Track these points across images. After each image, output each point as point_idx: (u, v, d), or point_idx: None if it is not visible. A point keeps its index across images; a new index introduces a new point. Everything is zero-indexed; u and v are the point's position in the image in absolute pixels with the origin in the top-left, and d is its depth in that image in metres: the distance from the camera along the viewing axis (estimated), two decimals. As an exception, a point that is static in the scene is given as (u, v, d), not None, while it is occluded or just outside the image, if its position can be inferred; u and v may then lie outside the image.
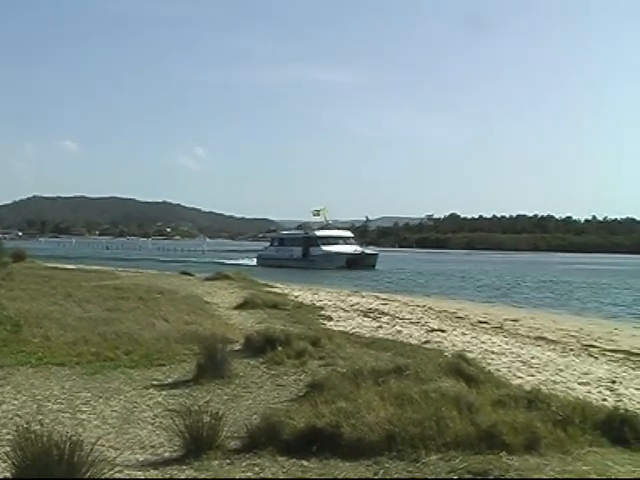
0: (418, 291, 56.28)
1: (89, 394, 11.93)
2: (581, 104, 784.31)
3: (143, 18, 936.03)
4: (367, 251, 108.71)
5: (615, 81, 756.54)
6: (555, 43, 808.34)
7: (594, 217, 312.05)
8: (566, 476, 7.52)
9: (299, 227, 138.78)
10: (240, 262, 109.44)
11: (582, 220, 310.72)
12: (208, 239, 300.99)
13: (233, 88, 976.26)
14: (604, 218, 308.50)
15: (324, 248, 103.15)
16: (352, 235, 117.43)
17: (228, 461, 8.12)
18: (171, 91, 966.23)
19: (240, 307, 26.87)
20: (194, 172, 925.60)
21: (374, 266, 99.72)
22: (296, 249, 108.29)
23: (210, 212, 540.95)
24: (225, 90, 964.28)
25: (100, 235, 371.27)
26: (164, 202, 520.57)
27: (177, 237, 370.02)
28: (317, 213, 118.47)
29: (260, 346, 15.43)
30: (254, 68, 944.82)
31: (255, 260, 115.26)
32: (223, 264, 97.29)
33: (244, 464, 8.01)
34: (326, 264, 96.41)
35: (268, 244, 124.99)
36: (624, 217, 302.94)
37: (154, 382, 12.96)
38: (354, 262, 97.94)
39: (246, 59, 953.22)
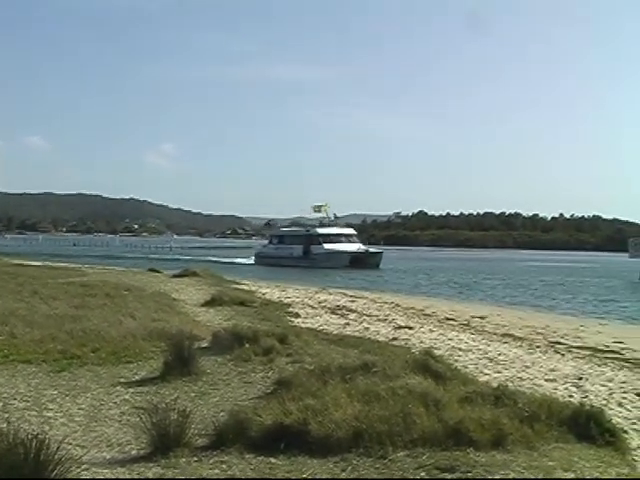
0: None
1: (56, 392, 11.85)
2: (548, 103, 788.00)
3: (111, 14, 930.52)
4: (371, 250, 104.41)
5: (586, 81, 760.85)
6: (530, 40, 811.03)
7: (561, 215, 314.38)
8: (532, 472, 7.57)
9: (293, 224, 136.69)
10: (236, 261, 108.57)
11: (549, 218, 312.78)
12: (176, 236, 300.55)
13: (201, 85, 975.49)
14: (571, 216, 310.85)
15: (326, 246, 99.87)
16: (355, 233, 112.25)
17: (195, 458, 8.11)
18: (138, 87, 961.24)
19: (208, 304, 26.81)
20: (161, 169, 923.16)
21: (378, 265, 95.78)
22: (296, 247, 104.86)
23: (178, 209, 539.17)
24: (193, 87, 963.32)
25: (67, 232, 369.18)
26: (131, 199, 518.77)
27: (145, 234, 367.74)
28: (318, 209, 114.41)
29: (227, 343, 15.41)
30: (222, 65, 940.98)
31: (252, 259, 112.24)
32: (218, 262, 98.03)
33: (211, 461, 8.01)
34: (328, 263, 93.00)
35: (267, 241, 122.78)
36: (590, 215, 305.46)
37: (121, 380, 12.90)
38: (358, 261, 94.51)
39: (214, 56, 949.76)
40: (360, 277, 72.94)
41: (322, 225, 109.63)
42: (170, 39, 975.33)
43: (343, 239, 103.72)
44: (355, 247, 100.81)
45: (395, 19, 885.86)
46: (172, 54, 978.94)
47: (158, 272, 49.19)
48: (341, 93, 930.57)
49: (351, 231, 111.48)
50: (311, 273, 79.68)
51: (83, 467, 7.51)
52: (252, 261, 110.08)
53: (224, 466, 7.87)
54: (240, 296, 30.09)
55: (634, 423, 12.35)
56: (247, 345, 15.11)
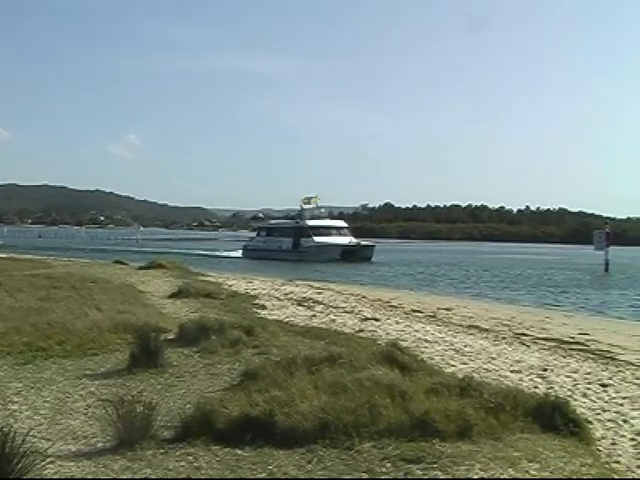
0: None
1: (20, 384, 11.81)
2: (499, 93, 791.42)
3: (76, 4, 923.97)
4: (363, 243, 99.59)
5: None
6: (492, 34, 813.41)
7: (527, 207, 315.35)
8: (497, 462, 7.63)
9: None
10: (223, 254, 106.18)
11: (515, 210, 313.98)
12: (142, 228, 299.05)
13: (167, 76, 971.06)
14: (537, 208, 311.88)
15: (317, 239, 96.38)
16: (346, 225, 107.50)
17: (162, 451, 8.12)
18: (103, 78, 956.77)
19: (174, 296, 26.75)
20: (127, 160, 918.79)
21: (370, 258, 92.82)
22: (286, 240, 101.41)
23: (143, 200, 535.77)
24: (159, 78, 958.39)
25: (33, 223, 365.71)
26: (97, 190, 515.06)
27: (111, 226, 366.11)
28: (308, 201, 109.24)
29: (194, 335, 15.42)
30: (187, 57, 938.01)
31: (240, 252, 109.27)
32: (205, 256, 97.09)
33: (178, 453, 8.02)
34: (319, 256, 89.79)
35: (255, 234, 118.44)
36: (556, 208, 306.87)
37: (87, 372, 12.87)
38: (349, 254, 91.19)
39: (179, 47, 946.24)
40: (355, 271, 71.46)
41: (312, 217, 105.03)
42: (135, 30, 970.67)
43: (334, 232, 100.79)
44: (347, 240, 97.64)
45: (360, 13, 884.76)
46: (136, 45, 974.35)
47: (124, 264, 48.96)
48: (306, 86, 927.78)
49: (342, 223, 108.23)
50: (301, 267, 77.58)
51: (48, 460, 7.48)
52: (239, 254, 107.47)
53: (190, 458, 7.89)
54: (207, 288, 30.00)
55: (598, 414, 12.43)
56: (213, 337, 15.14)
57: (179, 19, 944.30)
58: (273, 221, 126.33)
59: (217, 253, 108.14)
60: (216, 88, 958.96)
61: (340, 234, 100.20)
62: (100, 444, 8.58)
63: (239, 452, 8.04)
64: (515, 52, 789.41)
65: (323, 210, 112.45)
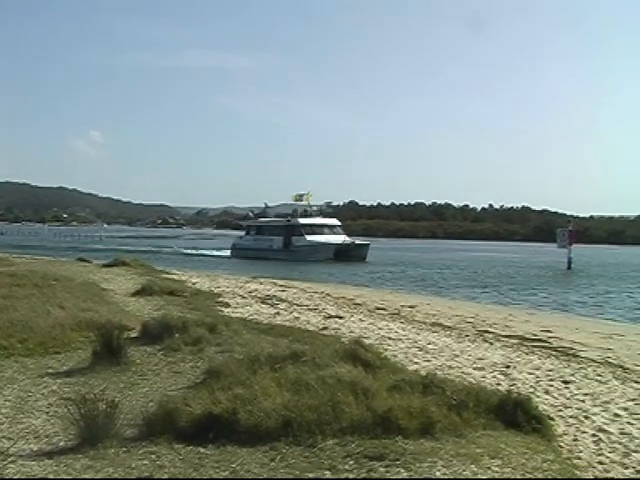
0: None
1: (-19, 384, 11.74)
2: (479, 94, 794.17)
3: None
4: (357, 241, 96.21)
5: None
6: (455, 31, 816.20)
7: (491, 205, 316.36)
8: (460, 459, 7.67)
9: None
10: (212, 253, 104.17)
11: (479, 208, 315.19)
12: (106, 225, 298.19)
13: (132, 72, 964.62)
14: (500, 206, 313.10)
15: (309, 238, 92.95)
16: (339, 223, 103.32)
17: (124, 449, 8.09)
18: (65, 73, 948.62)
19: (137, 294, 26.66)
20: (90, 156, 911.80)
21: (365, 258, 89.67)
22: (276, 239, 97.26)
23: (107, 197, 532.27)
24: (121, 73, 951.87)
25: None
26: (60, 187, 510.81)
27: (74, 223, 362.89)
28: (299, 198, 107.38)
29: (157, 333, 15.40)
30: (155, 53, 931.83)
31: (229, 251, 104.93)
32: (190, 255, 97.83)
33: (140, 452, 8.00)
34: (311, 256, 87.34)
35: (243, 233, 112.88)
36: (519, 206, 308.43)
37: (49, 370, 12.80)
38: (343, 254, 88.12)
39: (147, 44, 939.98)
40: (351, 271, 69.40)
41: (304, 215, 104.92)
42: (101, 26, 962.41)
43: (326, 230, 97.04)
44: (340, 239, 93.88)
45: (331, 11, 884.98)
46: (103, 41, 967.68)
47: (87, 262, 48.77)
48: (275, 83, 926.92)
49: (335, 222, 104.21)
50: (293, 266, 74.88)
51: (10, 459, 7.47)
52: (228, 253, 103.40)
53: (153, 456, 7.87)
54: (170, 286, 29.93)
55: (560, 410, 12.53)
56: (177, 335, 15.11)
57: (148, 15, 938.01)
58: (263, 219, 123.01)
59: (204, 252, 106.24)
60: (182, 85, 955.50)
61: (333, 232, 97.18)
62: (62, 443, 8.54)
63: (202, 450, 8.03)
64: (479, 58, 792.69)
65: (315, 208, 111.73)
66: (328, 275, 62.44)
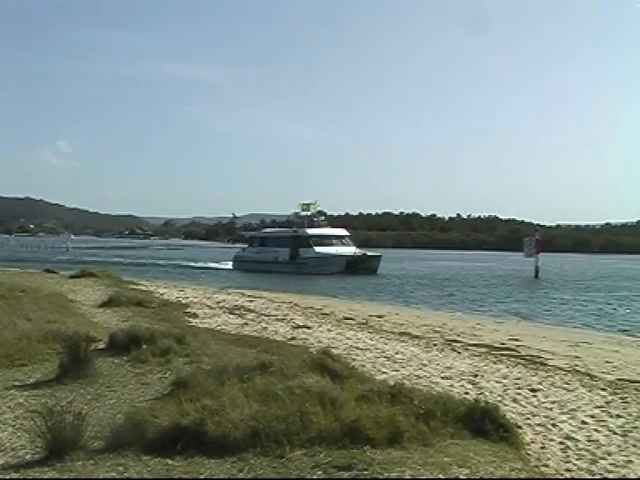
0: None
1: (-53, 397, 11.63)
2: (436, 105, 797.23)
3: (5, 9, 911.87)
4: (369, 253, 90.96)
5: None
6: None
7: (458, 215, 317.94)
8: (428, 468, 7.68)
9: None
10: (211, 265, 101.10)
11: (447, 218, 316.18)
12: (73, 236, 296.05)
13: (99, 82, 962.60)
14: (468, 216, 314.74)
15: (318, 249, 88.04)
16: (348, 234, 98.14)
17: (92, 461, 8.03)
18: (31, 84, 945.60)
19: (105, 305, 26.57)
20: (57, 167, 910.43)
21: (376, 270, 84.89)
22: (282, 250, 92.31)
23: (74, 208, 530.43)
24: (88, 84, 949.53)
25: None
26: (27, 198, 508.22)
27: (41, 234, 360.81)
28: (306, 207, 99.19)
29: (124, 344, 15.30)
30: (120, 63, 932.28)
31: (230, 264, 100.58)
32: (191, 268, 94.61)
33: (108, 464, 7.94)
34: (320, 268, 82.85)
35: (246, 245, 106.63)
36: (487, 215, 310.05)
37: (15, 383, 12.68)
38: (354, 266, 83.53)
39: (112, 54, 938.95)
40: (368, 285, 64.51)
41: (310, 226, 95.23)
42: (65, 35, 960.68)
43: (335, 241, 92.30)
44: (351, 250, 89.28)
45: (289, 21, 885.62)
46: (66, 51, 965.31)
47: (54, 273, 48.52)
48: (240, 93, 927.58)
49: (344, 232, 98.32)
50: (301, 280, 71.14)
51: (-25, 473, 7.39)
52: (229, 266, 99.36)
53: (120, 468, 7.81)
54: (138, 297, 29.87)
55: (528, 418, 12.62)
56: (144, 346, 15.03)
57: (112, 26, 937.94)
58: (268, 229, 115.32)
59: (202, 265, 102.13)
60: (149, 94, 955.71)
61: (342, 243, 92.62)
62: (29, 456, 8.46)
63: (170, 462, 7.99)
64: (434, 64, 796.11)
65: (323, 218, 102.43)
66: (343, 289, 58.91)
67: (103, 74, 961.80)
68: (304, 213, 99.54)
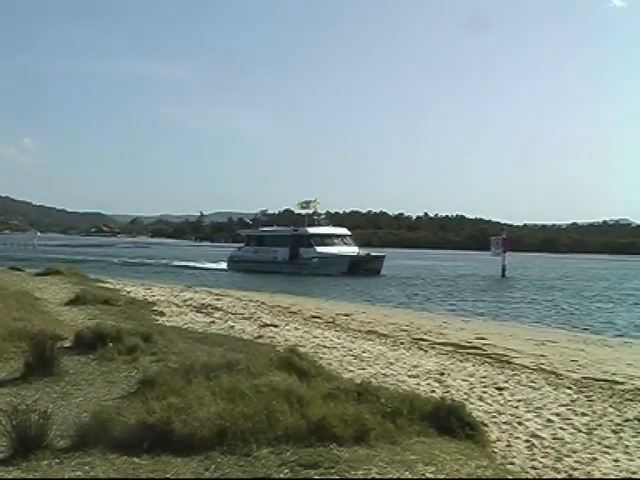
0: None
1: None
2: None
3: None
4: (373, 253, 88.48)
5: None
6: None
7: (426, 214, 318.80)
8: (394, 466, 7.70)
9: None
10: (205, 266, 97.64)
11: (414, 217, 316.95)
12: (39, 233, 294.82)
13: (65, 79, 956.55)
14: (435, 215, 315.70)
15: (319, 249, 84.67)
16: (350, 233, 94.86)
17: (57, 460, 7.97)
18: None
19: (71, 303, 26.39)
20: (23, 164, 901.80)
21: (379, 271, 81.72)
22: (281, 250, 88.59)
23: (41, 206, 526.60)
24: (53, 81, 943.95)
25: None
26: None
27: (7, 231, 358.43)
28: (306, 205, 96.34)
29: (91, 342, 15.22)
30: (87, 60, 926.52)
31: (225, 264, 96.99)
32: (185, 267, 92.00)
33: (74, 463, 7.89)
34: (322, 269, 79.93)
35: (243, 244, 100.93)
36: (454, 214, 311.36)
37: (-20, 381, 12.62)
38: (358, 266, 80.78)
39: (79, 50, 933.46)
40: (374, 287, 62.16)
41: (310, 225, 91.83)
42: (34, 31, 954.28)
43: (337, 240, 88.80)
44: (354, 250, 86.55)
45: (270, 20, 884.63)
46: (29, 47, 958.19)
47: (20, 270, 48.17)
48: (209, 90, 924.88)
49: (345, 231, 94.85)
50: (303, 281, 69.19)
51: (-62, 474, 7.33)
52: (223, 266, 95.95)
53: (86, 467, 7.76)
54: (104, 295, 29.70)
55: (494, 416, 12.68)
56: (111, 344, 14.95)
57: (81, 22, 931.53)
58: (266, 228, 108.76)
59: (197, 265, 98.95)
60: (116, 91, 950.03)
61: (344, 243, 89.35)
62: (-7, 455, 8.42)
63: (136, 460, 7.95)
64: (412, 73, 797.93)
65: (323, 216, 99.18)
66: (350, 291, 56.98)
67: (69, 71, 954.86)
68: (304, 212, 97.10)
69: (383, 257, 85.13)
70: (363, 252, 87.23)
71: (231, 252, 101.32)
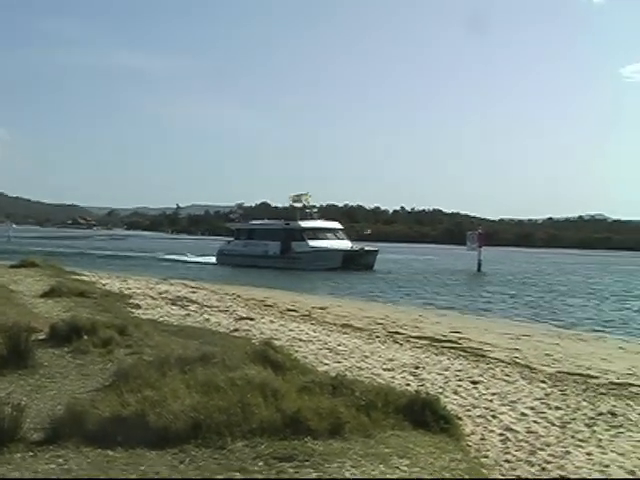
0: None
1: None
2: (381, 97, 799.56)
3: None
4: (367, 248, 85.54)
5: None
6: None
7: (402, 208, 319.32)
8: (369, 459, 7.73)
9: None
10: (192, 259, 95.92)
11: (391, 211, 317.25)
12: (15, 225, 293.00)
13: (43, 70, 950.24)
14: (412, 209, 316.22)
15: (312, 243, 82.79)
16: (342, 227, 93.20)
17: (31, 453, 7.95)
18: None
19: (46, 295, 26.22)
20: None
21: (372, 266, 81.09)
22: (272, 244, 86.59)
23: (17, 197, 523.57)
24: (28, 71, 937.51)
25: None
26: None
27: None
28: (298, 199, 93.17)
29: (66, 335, 15.15)
30: (65, 51, 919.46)
31: (214, 258, 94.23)
32: (174, 262, 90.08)
33: (47, 456, 7.87)
34: (315, 263, 77.85)
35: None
36: (431, 209, 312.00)
37: (-48, 374, 12.55)
38: (351, 261, 79.32)
39: (57, 42, 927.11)
40: (377, 284, 59.96)
41: (302, 218, 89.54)
42: (10, 22, 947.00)
43: (330, 234, 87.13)
44: (347, 244, 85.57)
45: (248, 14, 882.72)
46: (6, 37, 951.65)
47: (-6, 263, 47.94)
48: (186, 84, 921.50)
49: (337, 225, 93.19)
50: (295, 276, 68.35)
51: None
52: (212, 260, 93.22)
53: (60, 460, 7.75)
54: (80, 287, 29.54)
55: (468, 410, 12.72)
56: (85, 337, 14.90)
57: (60, 13, 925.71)
58: (256, 221, 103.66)
59: (184, 258, 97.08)
60: (93, 84, 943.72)
61: (337, 237, 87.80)
62: (-34, 448, 8.38)
63: (110, 453, 7.94)
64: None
65: (316, 209, 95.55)
66: (335, 286, 56.01)
67: (44, 61, 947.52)
68: (297, 204, 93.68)
69: (376, 252, 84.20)
70: (357, 246, 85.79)
71: (220, 245, 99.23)
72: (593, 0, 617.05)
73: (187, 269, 75.65)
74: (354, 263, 79.10)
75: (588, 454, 10.19)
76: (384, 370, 16.59)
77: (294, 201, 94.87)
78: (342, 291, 51.33)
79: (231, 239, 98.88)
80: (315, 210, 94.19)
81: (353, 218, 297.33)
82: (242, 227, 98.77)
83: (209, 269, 79.25)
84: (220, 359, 11.30)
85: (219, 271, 76.43)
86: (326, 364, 16.56)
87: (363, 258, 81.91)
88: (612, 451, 10.47)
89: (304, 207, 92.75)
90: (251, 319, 25.52)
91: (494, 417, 12.33)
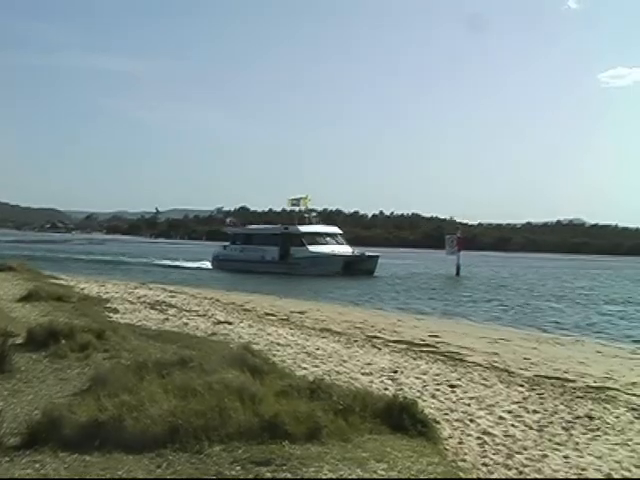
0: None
1: None
2: (357, 101, 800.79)
3: None
4: (368, 253, 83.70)
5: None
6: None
7: (381, 212, 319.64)
8: (346, 463, 7.74)
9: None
10: (187, 265, 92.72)
11: (370, 215, 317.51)
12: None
13: (9, 71, 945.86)
14: (391, 213, 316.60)
15: (312, 248, 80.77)
16: (341, 232, 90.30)
17: (7, 458, 7.94)
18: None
19: (23, 299, 26.12)
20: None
21: (373, 272, 78.73)
22: (270, 249, 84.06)
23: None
24: (7, 74, 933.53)
25: None
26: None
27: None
28: (296, 202, 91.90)
29: (43, 339, 15.11)
30: (37, 53, 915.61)
31: (209, 263, 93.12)
32: (164, 266, 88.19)
33: (24, 461, 7.86)
34: (315, 269, 76.11)
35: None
36: (410, 213, 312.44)
37: None
38: (352, 267, 77.32)
39: (28, 43, 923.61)
40: (384, 291, 57.57)
41: (300, 223, 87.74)
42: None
43: (330, 239, 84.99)
44: (348, 249, 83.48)
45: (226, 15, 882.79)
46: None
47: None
48: (162, 86, 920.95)
49: (337, 229, 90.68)
50: (296, 283, 65.17)
51: None
52: (207, 265, 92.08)
53: (37, 465, 7.74)
54: (58, 291, 29.45)
55: (446, 414, 12.73)
56: (63, 341, 14.85)
57: (37, 16, 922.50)
58: (253, 226, 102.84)
59: (177, 264, 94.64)
60: (68, 86, 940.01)
61: (337, 242, 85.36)
62: (-58, 454, 8.34)
63: (87, 458, 7.93)
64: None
65: (315, 213, 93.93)
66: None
67: (21, 65, 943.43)
68: (296, 208, 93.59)
69: (377, 257, 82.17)
70: (357, 252, 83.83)
71: (216, 250, 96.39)
72: (571, 6, 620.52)
73: (179, 275, 72.27)
74: (355, 268, 77.40)
75: (565, 457, 10.23)
76: (362, 374, 16.59)
77: (292, 205, 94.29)
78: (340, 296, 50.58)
79: (227, 244, 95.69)
80: (314, 214, 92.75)
81: (332, 222, 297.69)
82: (239, 232, 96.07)
83: (203, 275, 76.12)
84: (198, 363, 11.30)
85: (214, 277, 73.20)
86: (304, 368, 16.55)
87: (364, 263, 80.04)
88: (589, 454, 10.52)
89: (299, 211, 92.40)
90: (229, 323, 25.51)
91: (472, 421, 12.35)
